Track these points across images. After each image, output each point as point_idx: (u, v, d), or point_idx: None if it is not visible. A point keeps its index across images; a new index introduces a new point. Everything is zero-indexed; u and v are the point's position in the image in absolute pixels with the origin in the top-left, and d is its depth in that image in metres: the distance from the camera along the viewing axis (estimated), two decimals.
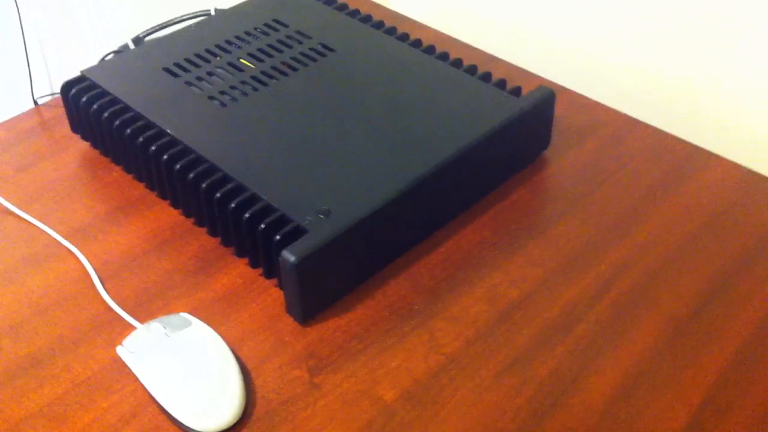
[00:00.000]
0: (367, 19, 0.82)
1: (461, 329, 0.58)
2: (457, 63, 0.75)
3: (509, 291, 0.61)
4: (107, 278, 0.63)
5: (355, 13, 0.83)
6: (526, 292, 0.61)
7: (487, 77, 0.73)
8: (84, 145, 0.76)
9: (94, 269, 0.64)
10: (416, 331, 0.58)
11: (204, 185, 0.63)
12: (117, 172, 0.73)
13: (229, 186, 0.62)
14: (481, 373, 0.55)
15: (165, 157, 0.66)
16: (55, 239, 0.66)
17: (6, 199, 0.70)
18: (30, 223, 0.68)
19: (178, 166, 0.65)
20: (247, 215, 0.60)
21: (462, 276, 0.62)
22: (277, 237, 0.59)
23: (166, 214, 0.69)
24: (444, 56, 0.76)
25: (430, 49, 0.77)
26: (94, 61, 0.84)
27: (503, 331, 0.58)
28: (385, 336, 0.58)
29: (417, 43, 0.78)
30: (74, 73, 0.75)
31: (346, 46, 0.77)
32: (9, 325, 0.60)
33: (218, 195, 0.62)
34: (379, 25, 0.81)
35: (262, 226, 0.59)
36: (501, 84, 0.72)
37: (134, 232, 0.67)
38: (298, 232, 0.59)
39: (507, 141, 0.69)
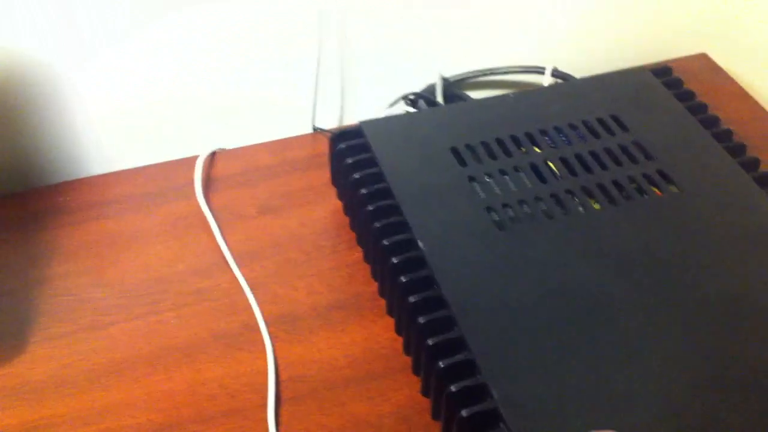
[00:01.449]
0: (738, 149, 0.59)
1: None
2: None
3: None
4: (288, 400, 0.51)
5: (725, 135, 0.61)
6: None
7: None
8: (338, 204, 0.63)
9: (277, 383, 0.52)
10: None
11: (430, 342, 0.47)
12: (357, 255, 0.60)
13: (459, 357, 0.46)
14: None
15: (404, 279, 0.51)
16: (255, 323, 0.55)
17: (230, 249, 0.60)
18: (240, 289, 0.58)
19: (412, 300, 0.50)
20: (464, 414, 0.44)
21: None
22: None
23: (385, 337, 0.55)
24: None
25: None
26: (395, 90, 0.71)
27: None
28: None
29: None
30: (364, 111, 0.63)
31: (695, 184, 0.56)
32: (163, 422, 0.50)
33: (441, 365, 0.46)
34: (752, 165, 0.58)
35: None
36: None
37: (345, 345, 0.54)
38: None
39: None
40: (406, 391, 0.51)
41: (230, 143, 0.70)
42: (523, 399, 0.44)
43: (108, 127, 0.67)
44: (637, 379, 0.45)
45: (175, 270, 0.59)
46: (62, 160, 0.68)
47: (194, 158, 0.67)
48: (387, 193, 0.56)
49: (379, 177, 0.57)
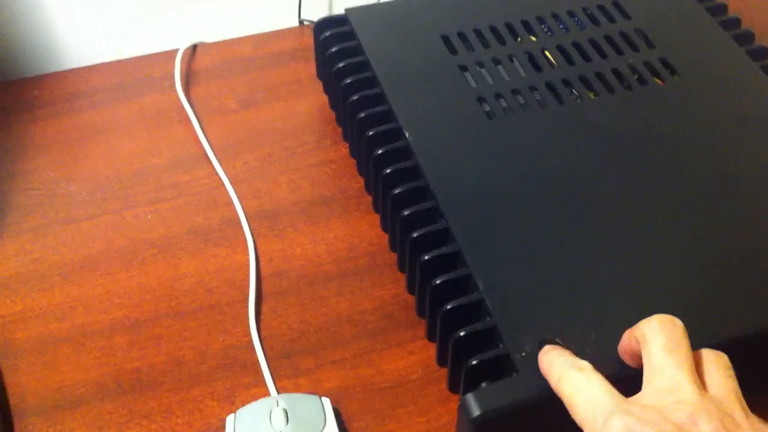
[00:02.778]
0: (746, 36, 0.56)
1: None
2: None
3: None
4: (269, 296, 0.49)
5: (731, 22, 0.57)
6: None
7: None
8: (324, 99, 0.60)
9: (257, 279, 0.50)
10: None
11: (415, 235, 0.45)
12: (344, 151, 0.57)
13: (445, 249, 0.44)
14: None
15: (388, 171, 0.48)
16: (235, 218, 0.53)
17: (210, 143, 0.57)
18: (220, 183, 0.55)
19: (396, 192, 0.47)
20: (448, 306, 0.42)
21: None
22: (473, 361, 0.40)
23: (371, 234, 0.52)
24: None
25: None
26: None
27: None
28: None
29: None
30: (354, 3, 0.59)
31: (697, 73, 0.53)
32: (135, 319, 0.48)
33: (426, 258, 0.44)
34: (759, 53, 0.55)
35: (461, 333, 0.41)
36: None
37: (328, 241, 0.52)
38: (503, 366, 0.40)
39: None
40: (391, 288, 0.50)
41: (213, 37, 0.66)
42: (510, 289, 0.42)
43: (84, 18, 0.64)
44: (630, 263, 0.42)
45: (151, 164, 0.56)
46: (35, 52, 0.64)
47: (174, 51, 0.64)
48: (373, 82, 0.53)
49: (365, 66, 0.54)
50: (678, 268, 0.42)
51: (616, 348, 0.38)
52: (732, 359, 0.36)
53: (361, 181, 0.55)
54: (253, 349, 0.46)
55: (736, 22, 0.57)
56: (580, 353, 0.38)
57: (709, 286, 0.42)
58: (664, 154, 0.48)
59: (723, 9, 0.58)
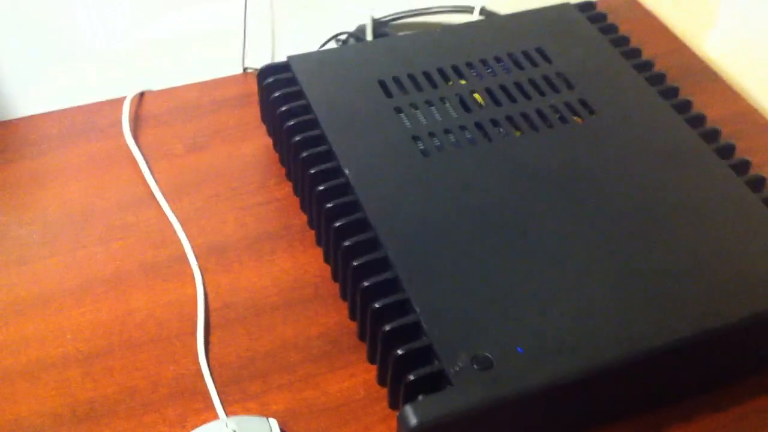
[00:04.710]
0: (658, 78, 0.61)
1: None
2: (759, 182, 0.53)
3: None
4: (217, 326, 0.51)
5: (645, 66, 0.62)
6: None
7: None
8: (268, 141, 0.63)
9: (206, 310, 0.52)
10: None
11: (355, 264, 0.48)
12: (287, 189, 0.60)
13: (384, 276, 0.47)
14: None
15: (329, 205, 0.51)
16: (183, 254, 0.55)
17: (158, 185, 0.60)
18: (168, 223, 0.58)
19: (337, 224, 0.50)
20: (387, 328, 0.45)
21: None
22: (410, 377, 0.43)
23: (314, 267, 0.55)
24: (744, 165, 0.54)
25: (727, 148, 0.55)
26: (326, 31, 0.71)
27: None
28: None
29: (712, 134, 0.56)
30: (293, 48, 0.63)
31: (614, 111, 0.57)
32: (88, 351, 0.50)
33: (366, 284, 0.47)
34: (670, 93, 0.60)
35: (399, 352, 0.44)
36: None
37: (274, 274, 0.55)
38: (438, 379, 0.43)
39: None
40: (334, 316, 0.52)
41: (159, 85, 0.69)
42: (444, 311, 0.45)
43: (31, 69, 0.66)
44: (554, 284, 0.46)
45: (100, 206, 0.58)
46: None
47: (122, 99, 0.66)
48: (314, 124, 0.56)
49: (307, 109, 0.57)
50: (597, 287, 0.46)
51: (542, 360, 0.42)
52: (643, 369, 0.39)
53: (305, 218, 0.58)
54: (203, 377, 0.48)
55: (649, 64, 0.62)
56: (507, 366, 0.41)
57: (624, 302, 0.46)
58: (585, 185, 0.52)
59: (637, 53, 0.63)
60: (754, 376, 0.50)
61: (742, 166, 0.54)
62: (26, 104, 0.67)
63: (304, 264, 0.55)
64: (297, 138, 0.56)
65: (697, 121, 0.58)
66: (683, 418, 0.48)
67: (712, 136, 0.56)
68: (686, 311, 0.45)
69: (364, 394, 0.48)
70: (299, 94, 0.58)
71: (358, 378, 0.49)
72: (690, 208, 0.51)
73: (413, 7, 0.75)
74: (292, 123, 0.57)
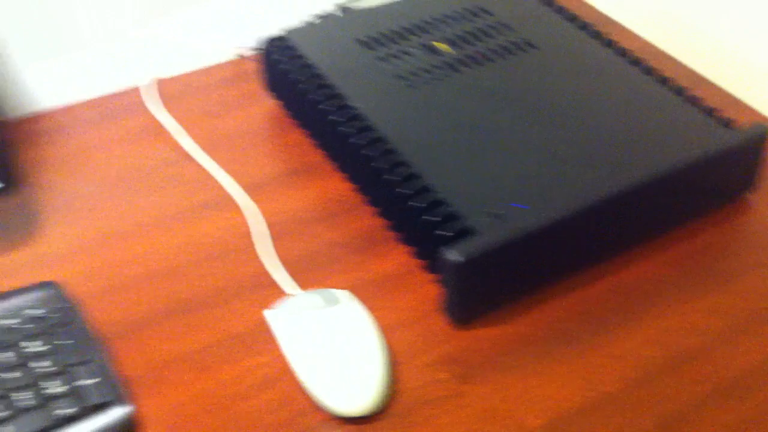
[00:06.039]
0: (573, 18, 0.77)
1: (625, 370, 0.54)
2: (664, 80, 0.70)
3: (685, 339, 0.56)
4: (275, 237, 0.64)
5: (561, 10, 0.79)
6: (703, 343, 0.56)
7: (694, 101, 0.67)
8: (272, 103, 0.76)
9: (268, 226, 0.64)
10: (573, 361, 0.55)
11: (377, 166, 0.62)
12: (300, 135, 0.73)
13: (403, 171, 0.61)
14: (642, 421, 0.51)
15: (346, 130, 0.65)
16: (229, 190, 0.68)
17: (196, 143, 0.72)
18: (207, 170, 0.69)
19: (356, 142, 0.64)
20: (414, 205, 0.58)
21: (633, 311, 0.58)
22: (443, 233, 0.56)
23: (340, 187, 0.68)
24: (649, 70, 0.71)
25: (636, 61, 0.72)
26: (294, 18, 0.85)
27: (673, 381, 0.53)
28: (539, 359, 0.55)
29: (622, 52, 0.73)
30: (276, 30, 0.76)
31: (548, 44, 0.73)
32: (169, 267, 0.62)
33: (389, 178, 0.61)
34: (585, 26, 0.76)
35: (430, 218, 0.57)
36: (709, 111, 0.66)
37: (307, 198, 0.67)
38: (465, 232, 0.57)
39: (708, 175, 0.63)
40: (366, 220, 0.65)
41: (168, 73, 0.81)
42: (456, 187, 0.59)
43: (53, 64, 0.77)
44: (524, 162, 0.61)
45: (149, 164, 0.70)
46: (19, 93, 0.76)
47: (136, 88, 0.78)
48: (321, 78, 0.70)
49: (311, 68, 0.71)
50: (563, 158, 0.61)
51: (533, 204, 0.56)
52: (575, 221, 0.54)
53: (320, 155, 0.71)
54: (269, 275, 0.61)
55: (564, 10, 0.79)
56: (511, 215, 0.55)
57: (578, 162, 0.61)
58: (533, 96, 0.68)
59: (563, 9, 0.80)
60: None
61: (647, 70, 0.71)
62: (48, 97, 0.78)
63: (328, 189, 0.68)
64: (313, 96, 0.69)
65: (610, 44, 0.74)
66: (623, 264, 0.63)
67: (622, 52, 0.73)
68: (618, 171, 0.61)
69: (402, 269, 0.61)
70: (303, 58, 0.72)
71: (394, 259, 0.62)
72: (611, 102, 0.67)
73: None
74: (302, 81, 0.70)
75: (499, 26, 0.76)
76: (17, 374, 0.50)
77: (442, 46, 0.73)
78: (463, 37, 0.74)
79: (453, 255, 0.54)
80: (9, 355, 0.51)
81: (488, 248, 0.55)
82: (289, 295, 0.59)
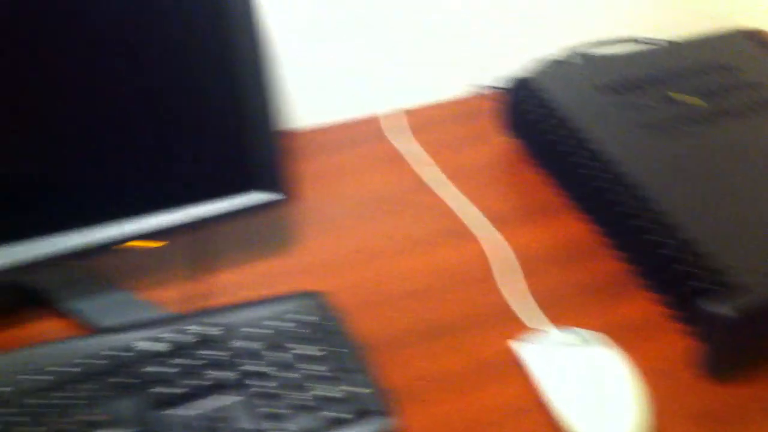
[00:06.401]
0: None
1: None
2: None
3: None
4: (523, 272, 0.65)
5: None
6: None
7: None
8: (504, 141, 0.78)
9: (517, 258, 0.66)
10: None
11: (635, 214, 0.62)
12: (537, 174, 0.75)
13: (663, 221, 0.61)
14: None
15: (597, 182, 0.66)
16: (473, 221, 0.69)
17: (441, 173, 0.75)
18: (450, 200, 0.72)
19: (609, 194, 0.64)
20: (676, 255, 0.58)
21: None
22: (706, 287, 0.56)
23: (581, 228, 0.69)
24: None
25: None
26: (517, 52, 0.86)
27: None
28: None
29: None
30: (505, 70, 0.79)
31: None
32: (415, 289, 0.64)
33: (648, 237, 0.61)
34: None
35: (692, 270, 0.57)
36: None
37: (547, 235, 0.68)
38: (733, 287, 0.56)
39: None
40: (609, 264, 0.65)
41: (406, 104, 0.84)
42: (719, 247, 0.58)
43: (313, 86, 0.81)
44: None
45: (391, 191, 0.73)
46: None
47: (376, 117, 0.82)
48: (569, 122, 0.71)
49: (562, 115, 0.72)
50: None
51: None
52: None
53: (557, 195, 0.72)
54: (509, 307, 0.62)
55: None
56: None
57: None
58: None
59: None
60: None
61: None
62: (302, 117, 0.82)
63: (573, 227, 0.69)
64: (563, 139, 0.70)
65: None
66: None
67: None
68: None
69: (656, 319, 0.61)
70: (549, 102, 0.73)
71: (645, 305, 0.62)
72: None
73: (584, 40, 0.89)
74: (555, 127, 0.71)
75: (741, 81, 0.75)
76: (294, 374, 0.53)
77: (687, 98, 0.73)
78: (707, 89, 0.74)
79: (725, 310, 0.53)
80: (285, 356, 0.54)
81: (763, 306, 0.54)
82: (539, 330, 0.59)
